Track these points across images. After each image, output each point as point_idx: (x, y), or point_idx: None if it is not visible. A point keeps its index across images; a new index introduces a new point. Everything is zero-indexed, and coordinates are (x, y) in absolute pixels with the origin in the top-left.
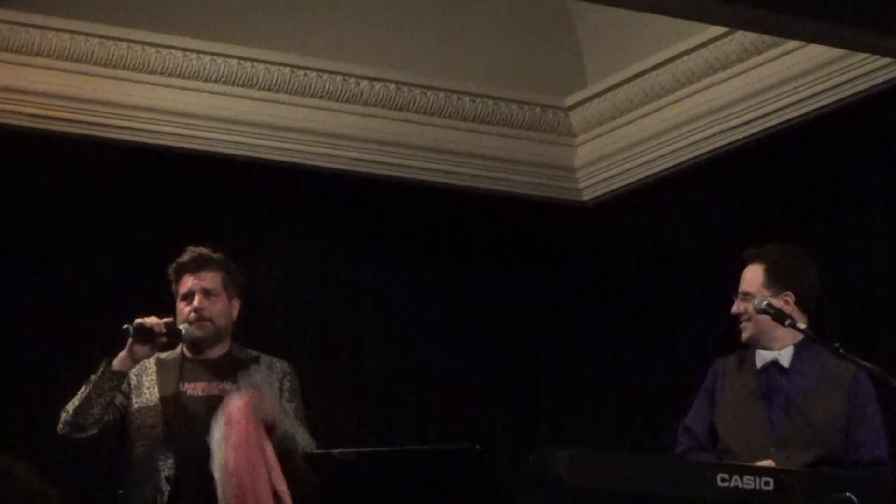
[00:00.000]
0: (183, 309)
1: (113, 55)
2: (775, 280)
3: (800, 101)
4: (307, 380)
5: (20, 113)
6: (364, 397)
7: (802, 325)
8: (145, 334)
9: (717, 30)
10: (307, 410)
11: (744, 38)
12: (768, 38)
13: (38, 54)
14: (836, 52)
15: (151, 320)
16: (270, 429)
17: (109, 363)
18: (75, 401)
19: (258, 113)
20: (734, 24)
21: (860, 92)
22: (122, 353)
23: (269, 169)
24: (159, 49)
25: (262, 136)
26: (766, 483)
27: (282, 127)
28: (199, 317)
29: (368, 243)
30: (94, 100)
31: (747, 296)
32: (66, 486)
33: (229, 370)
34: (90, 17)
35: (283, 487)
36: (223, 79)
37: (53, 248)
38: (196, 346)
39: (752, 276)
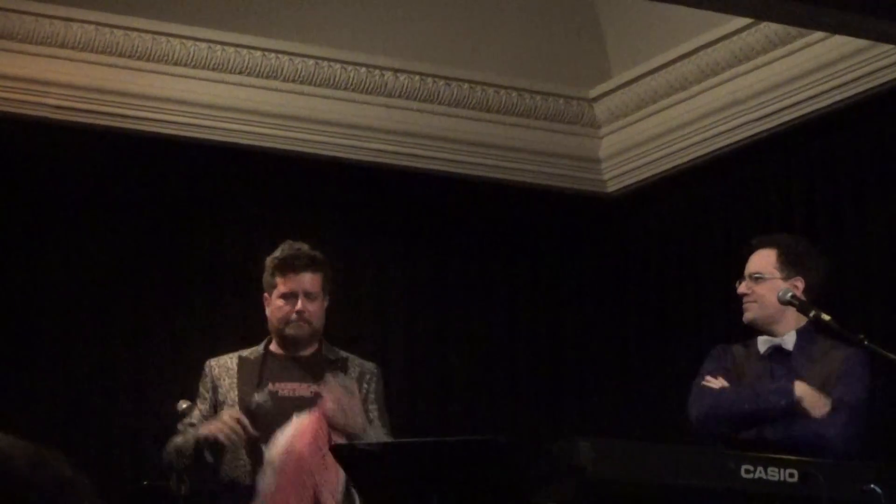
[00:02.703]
0: (282, 307)
1: (137, 47)
2: (787, 264)
3: (824, 92)
4: None
5: (45, 104)
6: (388, 388)
7: (827, 317)
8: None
9: (742, 21)
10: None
11: (768, 28)
12: (793, 29)
13: (62, 46)
14: (860, 42)
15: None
16: (350, 437)
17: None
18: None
19: (282, 104)
20: (759, 15)
21: (885, 83)
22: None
23: (293, 160)
24: (183, 41)
25: (286, 127)
26: (791, 475)
27: (305, 118)
28: (300, 318)
29: (392, 235)
30: (118, 91)
31: (757, 277)
32: (93, 476)
33: (319, 370)
34: (115, 9)
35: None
36: (247, 70)
37: (77, 240)
38: (291, 345)
39: (764, 260)
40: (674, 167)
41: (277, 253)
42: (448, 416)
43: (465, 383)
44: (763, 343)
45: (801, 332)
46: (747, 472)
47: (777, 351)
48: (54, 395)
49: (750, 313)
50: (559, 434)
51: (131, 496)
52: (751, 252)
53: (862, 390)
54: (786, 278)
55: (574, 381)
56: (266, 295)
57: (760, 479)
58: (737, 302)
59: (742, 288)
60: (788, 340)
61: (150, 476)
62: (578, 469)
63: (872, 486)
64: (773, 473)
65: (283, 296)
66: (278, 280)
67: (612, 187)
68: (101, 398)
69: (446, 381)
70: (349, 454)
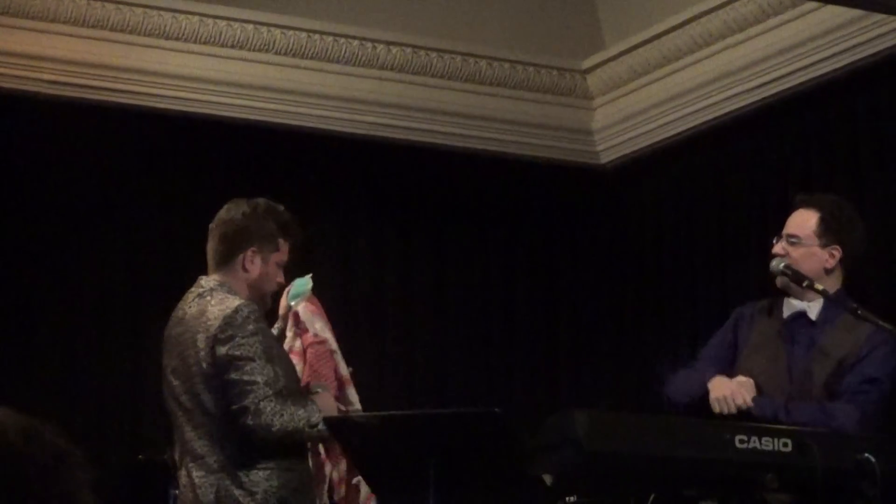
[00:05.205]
0: (277, 274)
1: (129, 21)
2: (828, 231)
3: (817, 62)
4: None
5: (38, 80)
6: (384, 361)
7: (820, 287)
8: None
9: None
10: None
11: None
12: None
13: (55, 20)
14: (853, 12)
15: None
16: None
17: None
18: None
19: (274, 78)
20: None
21: (877, 53)
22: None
23: (285, 134)
24: (175, 14)
25: (278, 100)
26: (785, 444)
27: (298, 92)
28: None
29: (385, 207)
30: (110, 66)
31: (794, 239)
32: (90, 450)
33: None
34: None
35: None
36: (239, 44)
37: (71, 214)
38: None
39: (804, 221)
40: (667, 138)
41: (286, 216)
42: (445, 388)
43: (462, 356)
44: (788, 308)
45: (827, 302)
46: (741, 442)
47: (801, 316)
48: (51, 369)
49: (782, 278)
50: (555, 406)
51: (127, 469)
52: (791, 210)
53: (886, 368)
54: (823, 245)
55: (569, 354)
56: (254, 249)
57: (755, 448)
58: (732, 272)
59: (777, 248)
60: (813, 308)
61: (146, 450)
62: (574, 441)
63: (867, 455)
64: (767, 443)
65: (280, 264)
66: (284, 245)
67: (605, 159)
68: (98, 372)
69: (442, 353)
70: (344, 427)
